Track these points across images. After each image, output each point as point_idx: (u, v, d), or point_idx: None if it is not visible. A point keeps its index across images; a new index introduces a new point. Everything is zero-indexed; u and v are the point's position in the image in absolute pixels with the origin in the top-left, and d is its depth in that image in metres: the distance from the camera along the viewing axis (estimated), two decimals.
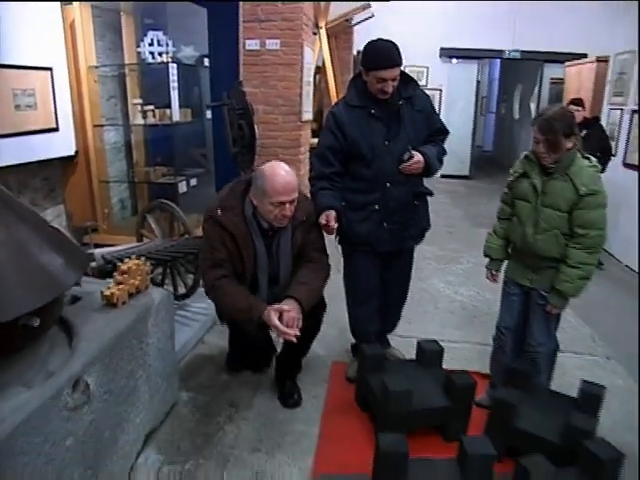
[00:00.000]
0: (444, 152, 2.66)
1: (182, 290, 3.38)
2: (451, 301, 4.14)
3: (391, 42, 2.43)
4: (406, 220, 2.61)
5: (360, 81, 2.51)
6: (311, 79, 3.63)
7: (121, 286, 2.03)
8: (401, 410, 2.18)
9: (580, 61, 7.18)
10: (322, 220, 2.43)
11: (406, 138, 2.49)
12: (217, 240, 2.29)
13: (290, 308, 2.20)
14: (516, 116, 11.94)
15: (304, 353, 2.68)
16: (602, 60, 6.45)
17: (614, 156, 5.06)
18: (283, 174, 2.22)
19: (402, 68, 2.46)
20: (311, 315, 2.36)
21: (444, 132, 2.68)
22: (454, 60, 9.89)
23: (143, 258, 2.25)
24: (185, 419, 2.42)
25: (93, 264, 2.71)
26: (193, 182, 4.53)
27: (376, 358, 2.50)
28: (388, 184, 2.49)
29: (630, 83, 5.45)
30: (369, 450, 1.98)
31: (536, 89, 9.92)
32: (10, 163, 3.47)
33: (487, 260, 2.62)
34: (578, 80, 7.23)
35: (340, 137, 2.48)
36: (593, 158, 2.26)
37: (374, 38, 2.47)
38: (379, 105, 2.47)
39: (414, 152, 2.46)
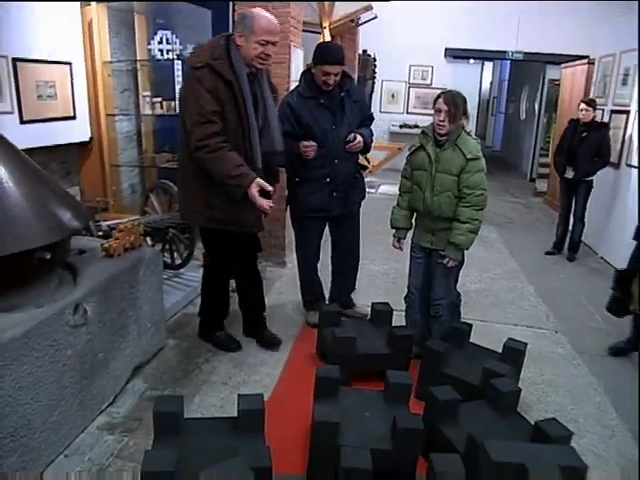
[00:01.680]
0: (372, 134, 3.29)
1: (178, 261, 3.86)
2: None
3: (339, 45, 3.03)
4: (350, 189, 3.22)
5: (309, 75, 3.07)
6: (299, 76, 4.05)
7: (118, 241, 2.50)
8: (346, 353, 2.61)
9: (574, 63, 7.48)
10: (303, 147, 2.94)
11: (348, 123, 3.08)
12: (209, 92, 2.43)
13: (271, 189, 2.57)
14: (522, 116, 12.20)
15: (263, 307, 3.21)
16: (592, 62, 6.76)
17: (615, 164, 5.30)
18: (269, 16, 2.55)
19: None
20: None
21: (372, 118, 3.36)
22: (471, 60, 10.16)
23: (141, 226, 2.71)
24: (169, 359, 2.90)
25: (100, 233, 3.20)
26: None
27: (333, 314, 2.94)
28: (336, 161, 3.08)
29: (610, 85, 5.77)
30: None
31: (539, 90, 10.20)
32: (32, 146, 3.95)
33: (394, 231, 3.10)
34: (572, 81, 7.56)
35: (294, 123, 3.00)
36: (474, 135, 2.80)
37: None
38: (325, 96, 3.03)
39: (355, 135, 3.05)
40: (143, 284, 2.61)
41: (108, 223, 3.33)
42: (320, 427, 1.95)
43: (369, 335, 2.90)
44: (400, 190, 3.01)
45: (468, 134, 2.76)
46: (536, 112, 10.48)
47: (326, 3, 6.92)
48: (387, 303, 3.14)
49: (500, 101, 15.67)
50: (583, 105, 5.04)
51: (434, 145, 2.75)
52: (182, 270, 3.87)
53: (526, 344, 2.79)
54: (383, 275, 4.55)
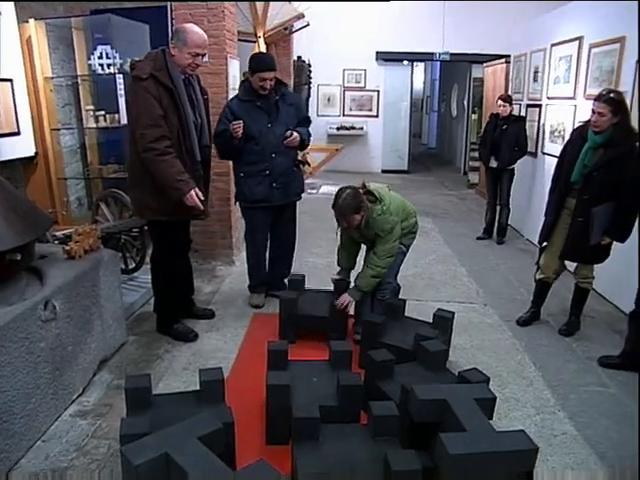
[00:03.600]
0: (310, 134, 3.74)
1: (132, 265, 4.04)
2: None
3: (270, 54, 3.57)
4: (289, 181, 3.64)
5: (247, 83, 3.51)
6: (237, 86, 4.32)
7: (78, 243, 2.70)
8: (291, 313, 3.13)
9: (494, 62, 8.09)
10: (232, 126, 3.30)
11: (284, 122, 3.53)
12: (155, 99, 2.78)
13: (202, 199, 2.96)
14: (454, 114, 12.89)
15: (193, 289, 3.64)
16: (510, 61, 7.36)
17: (532, 153, 5.84)
18: (200, 31, 2.94)
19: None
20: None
21: (308, 120, 3.80)
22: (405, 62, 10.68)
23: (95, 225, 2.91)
24: (131, 353, 3.11)
25: (56, 241, 3.36)
26: None
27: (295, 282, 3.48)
28: (273, 155, 3.51)
29: (524, 82, 6.35)
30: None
31: (467, 88, 10.85)
32: None
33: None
34: (493, 79, 8.16)
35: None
36: (379, 204, 3.11)
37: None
38: (262, 99, 3.48)
39: (292, 131, 3.51)
40: (103, 283, 2.82)
41: (63, 232, 3.49)
42: (273, 390, 2.23)
43: (316, 302, 3.42)
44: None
45: (374, 200, 3.10)
46: (465, 109, 11.15)
47: (259, 13, 7.23)
48: (346, 280, 3.50)
49: (433, 100, 16.40)
50: (500, 101, 5.57)
51: (357, 229, 3.15)
52: (136, 274, 4.05)
53: (453, 313, 3.16)
54: (326, 267, 4.84)
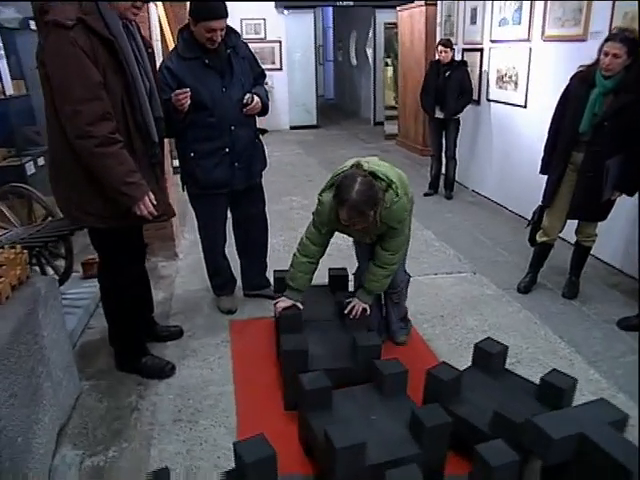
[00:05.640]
0: (267, 93, 2.97)
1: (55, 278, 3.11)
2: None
3: None
4: (252, 158, 2.91)
5: (187, 32, 2.65)
6: (159, 36, 3.42)
7: (2, 279, 1.82)
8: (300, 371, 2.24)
9: (410, 5, 7.61)
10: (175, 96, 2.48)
11: (240, 84, 2.74)
12: (87, 58, 1.91)
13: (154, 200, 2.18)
14: (354, 63, 12.39)
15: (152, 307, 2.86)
16: (430, 4, 6.93)
17: (475, 100, 5.46)
18: None
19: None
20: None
21: (264, 75, 3.00)
22: (285, 11, 9.85)
23: (19, 247, 2.02)
24: (94, 408, 2.30)
25: None
26: (41, 161, 4.07)
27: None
28: (233, 127, 2.75)
29: (457, 25, 5.95)
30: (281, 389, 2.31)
31: (370, 34, 10.33)
32: None
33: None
34: (410, 23, 7.70)
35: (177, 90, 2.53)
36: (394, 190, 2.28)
37: None
38: (210, 55, 2.65)
39: (252, 95, 2.75)
40: (46, 327, 1.97)
41: None
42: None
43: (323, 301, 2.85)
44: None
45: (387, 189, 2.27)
46: (370, 57, 10.67)
47: None
48: (344, 268, 3.02)
49: (327, 49, 15.75)
50: (441, 47, 5.15)
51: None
52: (62, 288, 3.12)
53: (575, 380, 2.09)
54: (284, 247, 4.24)
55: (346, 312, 2.51)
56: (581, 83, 2.99)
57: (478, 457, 1.63)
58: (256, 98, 2.77)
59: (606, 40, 2.82)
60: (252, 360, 2.66)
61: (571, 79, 3.09)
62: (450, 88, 5.16)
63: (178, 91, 2.48)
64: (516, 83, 4.80)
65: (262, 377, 2.52)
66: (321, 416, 1.90)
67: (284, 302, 2.50)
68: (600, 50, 2.85)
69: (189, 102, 2.51)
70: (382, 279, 2.49)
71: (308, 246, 2.48)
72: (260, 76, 2.97)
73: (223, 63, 2.69)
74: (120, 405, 2.31)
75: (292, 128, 10.45)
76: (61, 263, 3.11)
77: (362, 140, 9.30)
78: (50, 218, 2.93)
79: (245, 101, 2.73)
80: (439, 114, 5.32)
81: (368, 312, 2.53)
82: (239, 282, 3.31)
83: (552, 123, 3.20)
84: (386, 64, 9.73)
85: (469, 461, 1.94)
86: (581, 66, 3.06)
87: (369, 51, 10.76)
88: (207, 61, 2.64)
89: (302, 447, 2.05)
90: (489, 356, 2.20)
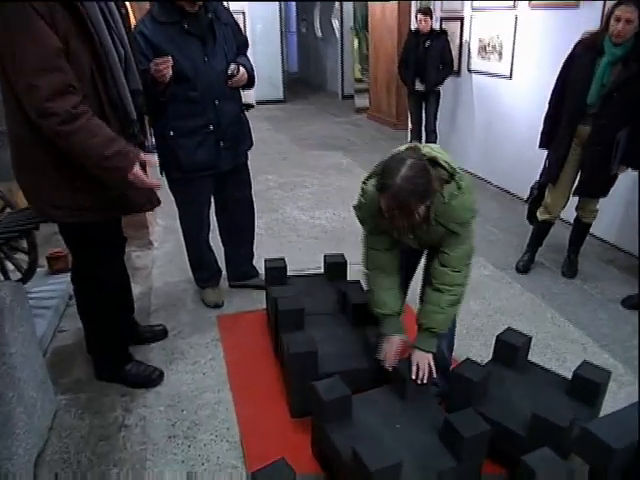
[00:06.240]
0: (252, 64, 2.65)
1: (18, 275, 2.76)
2: (311, 227, 4.10)
3: None
4: (238, 136, 2.63)
5: None
6: None
7: None
8: (309, 375, 1.96)
9: None
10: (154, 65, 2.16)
11: (222, 53, 2.44)
12: (44, 22, 1.59)
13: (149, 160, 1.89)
14: (319, 34, 11.97)
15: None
16: None
17: (455, 72, 5.24)
18: None
19: None
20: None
21: (247, 44, 2.70)
22: None
23: None
24: (74, 427, 2.01)
25: None
26: None
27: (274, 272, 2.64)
28: (217, 101, 2.46)
29: None
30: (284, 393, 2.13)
31: (337, 5, 9.94)
32: None
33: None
34: None
35: (153, 59, 2.20)
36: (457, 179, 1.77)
37: None
38: (190, 20, 2.34)
39: (237, 65, 2.46)
40: (14, 343, 1.67)
41: None
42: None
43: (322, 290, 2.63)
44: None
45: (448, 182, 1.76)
46: (336, 29, 10.30)
47: None
48: (341, 254, 2.78)
49: (289, 21, 15.19)
50: (420, 15, 4.90)
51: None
52: (26, 287, 2.78)
53: (609, 373, 1.95)
54: (267, 230, 3.99)
55: (413, 377, 1.86)
56: (587, 51, 2.81)
57: (526, 468, 1.46)
58: (242, 69, 2.47)
59: (618, 3, 2.63)
60: (247, 360, 2.42)
61: (575, 46, 2.90)
62: (431, 59, 4.93)
63: (158, 59, 2.14)
64: (500, 53, 4.61)
65: (261, 380, 2.29)
66: (341, 428, 1.69)
67: (391, 345, 1.94)
68: (609, 15, 2.66)
69: (171, 72, 2.18)
70: (447, 307, 1.86)
71: (375, 255, 1.97)
72: (244, 45, 2.66)
73: (204, 29, 2.38)
74: (104, 422, 2.03)
75: (259, 103, 10.02)
76: (22, 257, 2.77)
77: (332, 114, 9.00)
78: (9, 209, 2.57)
79: (230, 72, 2.43)
80: (419, 86, 5.10)
81: (434, 370, 1.90)
82: (224, 272, 3.04)
83: (553, 94, 3.02)
84: (357, 34, 9.39)
85: (501, 465, 1.81)
86: (586, 32, 2.87)
87: (335, 22, 10.38)
88: (186, 26, 2.32)
89: (317, 459, 1.84)
90: (514, 350, 2.02)
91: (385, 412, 1.81)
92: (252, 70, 2.59)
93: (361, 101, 8.96)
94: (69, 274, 2.92)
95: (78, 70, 1.69)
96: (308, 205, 4.56)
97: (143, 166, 1.85)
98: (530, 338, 2.10)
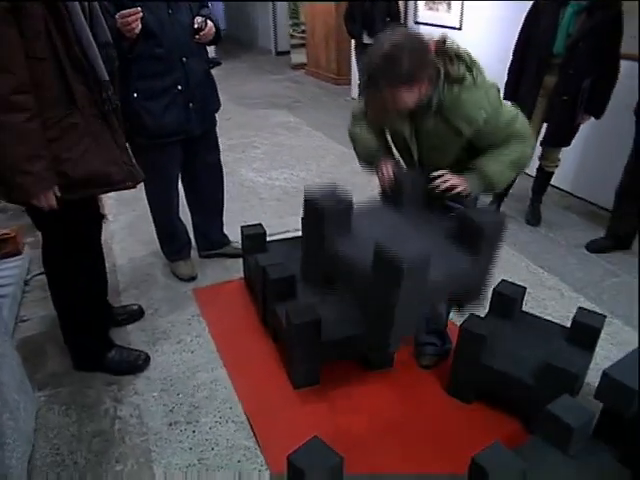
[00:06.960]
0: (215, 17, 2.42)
1: None
2: (271, 188, 3.95)
3: None
4: (206, 97, 2.43)
5: None
6: None
7: None
8: (311, 341, 1.94)
9: None
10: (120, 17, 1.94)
11: (186, 5, 2.23)
12: None
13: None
14: None
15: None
16: None
17: (402, 24, 5.10)
18: None
19: None
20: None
21: None
22: None
23: None
24: (61, 425, 1.83)
25: None
26: None
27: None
28: (184, 59, 2.26)
29: None
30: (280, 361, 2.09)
31: None
32: None
33: None
34: None
35: (115, 12, 1.96)
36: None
37: None
38: None
39: (204, 19, 2.24)
40: None
41: None
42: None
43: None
44: None
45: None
46: None
47: None
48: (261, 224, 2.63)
49: None
50: None
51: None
52: None
53: (604, 317, 1.98)
54: (226, 195, 3.78)
55: (434, 184, 1.69)
56: (552, 1, 2.79)
57: (552, 417, 1.47)
58: (209, 22, 2.26)
59: None
60: (234, 334, 2.31)
61: None
62: (378, 10, 4.81)
63: (125, 12, 1.90)
64: (449, 4, 4.54)
65: (253, 353, 2.19)
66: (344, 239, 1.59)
67: (386, 168, 1.78)
68: None
69: (140, 26, 1.95)
70: (504, 158, 1.66)
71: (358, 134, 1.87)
72: None
73: None
74: (94, 416, 1.86)
75: None
76: None
77: (268, 72, 8.67)
78: None
79: (197, 26, 2.21)
80: (367, 39, 4.96)
81: (458, 190, 1.68)
82: (193, 243, 2.87)
83: (517, 45, 3.00)
84: None
85: (500, 411, 1.85)
86: None
87: None
88: None
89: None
90: (512, 301, 2.03)
91: (387, 224, 1.71)
92: (218, 23, 2.37)
93: (299, 56, 8.68)
94: (20, 257, 2.69)
95: (30, 28, 1.45)
96: (263, 166, 4.39)
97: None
98: (525, 289, 2.12)
